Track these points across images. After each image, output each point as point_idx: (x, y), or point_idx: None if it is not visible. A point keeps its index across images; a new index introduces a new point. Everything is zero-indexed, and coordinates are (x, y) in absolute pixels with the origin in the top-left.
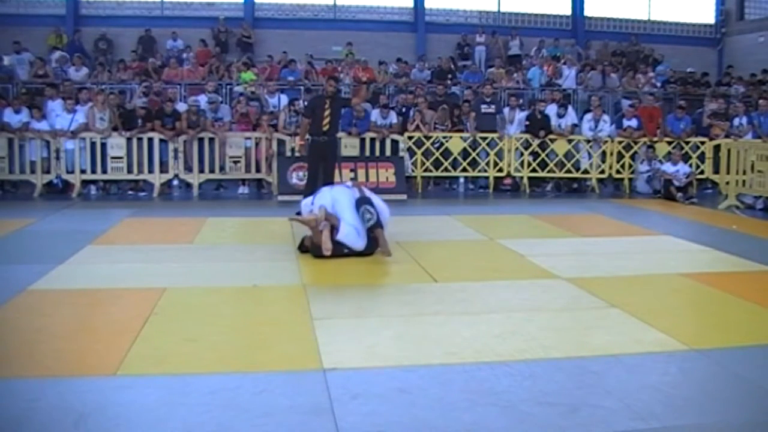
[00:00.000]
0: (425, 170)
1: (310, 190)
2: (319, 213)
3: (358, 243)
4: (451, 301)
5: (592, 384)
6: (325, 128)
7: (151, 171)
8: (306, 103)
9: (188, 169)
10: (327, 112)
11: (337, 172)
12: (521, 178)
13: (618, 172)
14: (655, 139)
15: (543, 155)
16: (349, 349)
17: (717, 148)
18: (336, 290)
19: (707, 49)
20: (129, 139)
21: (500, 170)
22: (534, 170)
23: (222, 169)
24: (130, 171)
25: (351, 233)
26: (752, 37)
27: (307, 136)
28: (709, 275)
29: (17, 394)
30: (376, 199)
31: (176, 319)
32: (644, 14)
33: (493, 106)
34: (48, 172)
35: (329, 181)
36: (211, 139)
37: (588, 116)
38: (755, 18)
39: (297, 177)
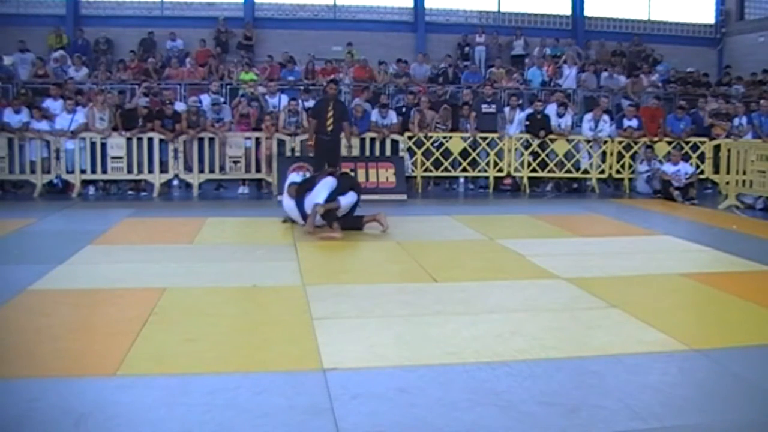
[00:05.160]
0: (425, 170)
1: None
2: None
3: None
4: (451, 301)
5: (592, 384)
6: (329, 128)
7: (151, 171)
8: (312, 105)
9: (188, 169)
10: (330, 113)
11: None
12: (521, 178)
13: (618, 172)
14: (655, 139)
15: (543, 155)
16: (349, 349)
17: (717, 148)
18: (336, 290)
19: (707, 49)
20: (129, 139)
21: (500, 170)
22: (534, 170)
23: (222, 169)
24: (130, 171)
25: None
26: (752, 37)
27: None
28: (709, 275)
29: (17, 394)
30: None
31: (176, 319)
32: (644, 14)
33: (493, 106)
34: (48, 172)
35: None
36: (211, 139)
37: (588, 116)
38: (755, 18)
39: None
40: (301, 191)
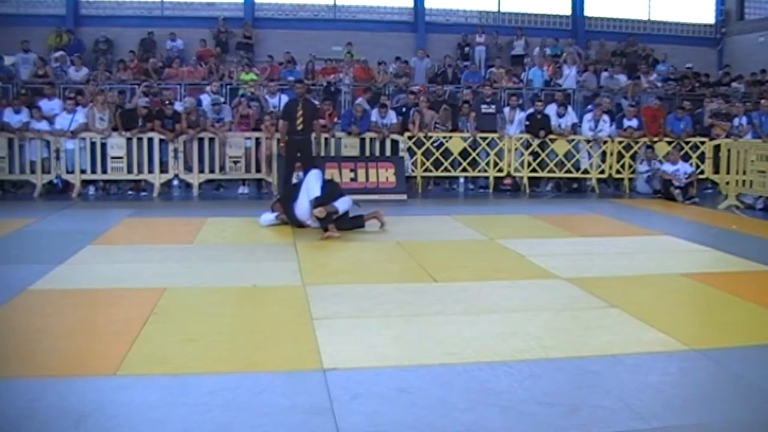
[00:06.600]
0: (425, 170)
1: (283, 183)
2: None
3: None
4: (451, 301)
5: (592, 384)
6: (299, 128)
7: (151, 171)
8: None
9: (188, 169)
10: (300, 113)
11: (336, 171)
12: (521, 178)
13: (618, 172)
14: (655, 139)
15: (543, 155)
16: (349, 349)
17: (717, 148)
18: (336, 290)
19: (707, 49)
20: (129, 139)
21: (500, 170)
22: (534, 170)
23: (222, 169)
24: (130, 171)
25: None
26: (752, 37)
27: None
28: (709, 275)
29: (17, 394)
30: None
31: (176, 319)
32: (644, 14)
33: (493, 106)
34: (48, 172)
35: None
36: (211, 139)
37: (588, 116)
38: (755, 18)
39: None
40: (285, 203)
